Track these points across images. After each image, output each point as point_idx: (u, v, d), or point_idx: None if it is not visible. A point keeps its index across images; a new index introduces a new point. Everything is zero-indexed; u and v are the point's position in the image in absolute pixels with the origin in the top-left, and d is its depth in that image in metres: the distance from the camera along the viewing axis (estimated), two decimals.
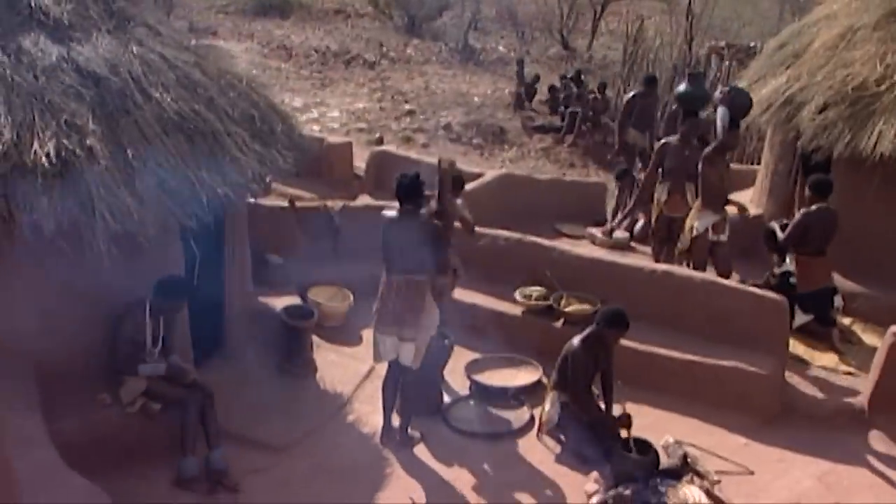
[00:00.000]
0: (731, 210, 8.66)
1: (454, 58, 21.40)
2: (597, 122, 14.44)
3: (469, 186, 9.98)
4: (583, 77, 16.54)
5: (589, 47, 22.07)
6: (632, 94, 11.82)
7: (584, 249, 8.33)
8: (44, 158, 5.05)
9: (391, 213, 6.09)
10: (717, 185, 8.19)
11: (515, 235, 8.18)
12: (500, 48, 22.87)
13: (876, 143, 8.33)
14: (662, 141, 9.05)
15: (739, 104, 8.35)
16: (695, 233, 8.25)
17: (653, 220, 9.06)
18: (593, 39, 22.58)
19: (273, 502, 5.58)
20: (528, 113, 15.88)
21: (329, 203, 8.74)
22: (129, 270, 5.49)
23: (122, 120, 5.57)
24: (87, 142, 5.28)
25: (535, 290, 7.78)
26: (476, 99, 16.97)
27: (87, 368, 5.72)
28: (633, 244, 10.35)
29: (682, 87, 9.85)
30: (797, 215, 8.12)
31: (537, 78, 17.00)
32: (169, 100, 5.86)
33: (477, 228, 8.26)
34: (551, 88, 16.00)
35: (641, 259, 8.96)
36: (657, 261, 8.64)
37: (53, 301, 5.52)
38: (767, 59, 10.26)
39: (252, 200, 8.80)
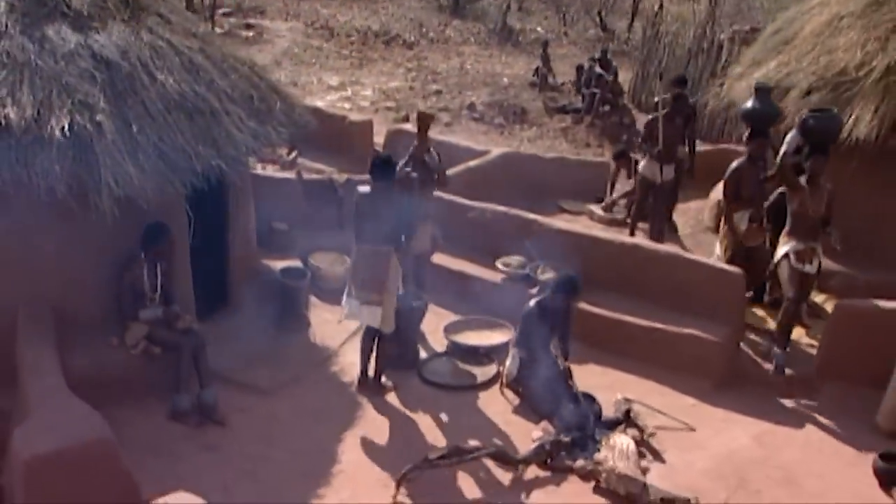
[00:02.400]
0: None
1: (492, 39, 21.93)
2: (615, 103, 14.88)
3: (473, 163, 10.71)
4: (610, 58, 16.92)
5: (628, 29, 22.34)
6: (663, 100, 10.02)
7: (562, 223, 8.89)
8: (58, 132, 5.89)
9: (364, 188, 6.80)
10: (798, 211, 7.54)
11: (500, 209, 8.82)
12: (539, 29, 23.31)
13: (853, 127, 8.74)
14: (733, 166, 8.18)
15: (818, 129, 8.09)
16: (775, 259, 7.74)
17: (725, 251, 8.25)
18: (633, 21, 22.82)
19: (254, 435, 6.38)
20: (552, 94, 16.38)
21: (334, 176, 9.48)
22: (137, 229, 6.37)
23: (129, 99, 6.38)
24: (97, 118, 6.10)
25: (515, 259, 8.43)
26: (505, 79, 17.53)
27: (98, 315, 6.60)
28: (628, 221, 10.88)
29: (748, 104, 8.82)
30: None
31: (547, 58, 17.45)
32: (172, 81, 6.65)
33: (467, 202, 8.97)
34: (578, 69, 16.45)
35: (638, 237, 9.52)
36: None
37: (69, 255, 6.39)
38: (762, 44, 10.64)
39: (262, 172, 9.67)
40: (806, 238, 7.53)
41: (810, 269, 7.54)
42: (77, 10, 6.65)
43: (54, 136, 5.89)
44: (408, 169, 7.41)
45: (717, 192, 11.03)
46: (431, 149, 7.90)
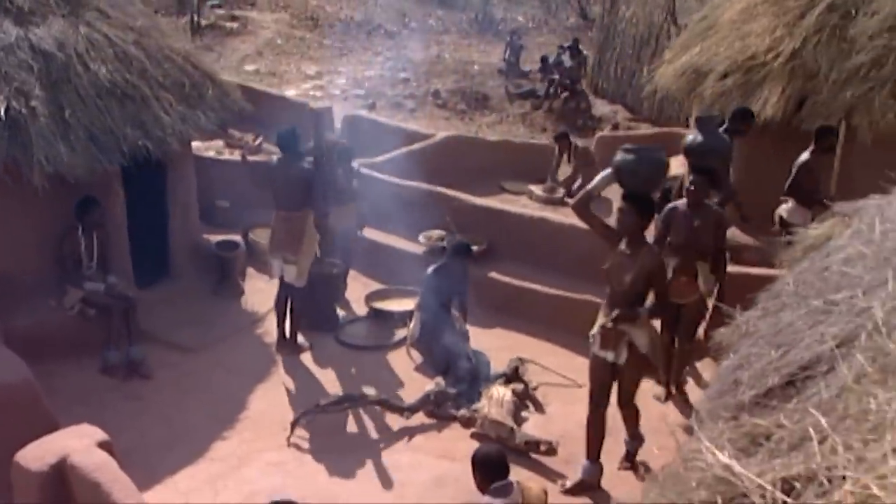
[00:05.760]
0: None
1: (473, 28, 22.56)
2: (574, 89, 15.49)
3: (416, 146, 11.40)
4: (581, 48, 17.51)
5: (602, 18, 22.80)
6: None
7: (479, 200, 9.55)
8: None
9: (274, 159, 7.52)
10: (607, 272, 5.79)
11: (424, 186, 9.51)
12: (520, 18, 23.90)
13: (762, 108, 9.34)
14: (670, 205, 6.99)
15: (625, 169, 5.62)
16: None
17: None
18: (612, 9, 23.27)
19: (175, 387, 7.13)
20: (519, 81, 17.01)
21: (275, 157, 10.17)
22: (73, 203, 7.15)
23: (63, 87, 7.14)
24: (32, 104, 6.85)
25: (436, 233, 9.12)
26: (476, 67, 18.17)
27: (39, 280, 7.35)
28: (567, 201, 11.54)
29: (689, 137, 7.61)
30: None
31: (521, 48, 18.09)
32: (105, 71, 7.40)
33: (395, 180, 9.67)
34: (543, 59, 17.06)
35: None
36: (666, 377, 7.07)
37: (9, 227, 7.15)
38: (691, 31, 11.26)
39: (207, 154, 10.39)
40: (615, 309, 5.68)
41: (613, 357, 5.78)
42: (19, 5, 7.40)
43: None
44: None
45: None
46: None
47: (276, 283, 7.77)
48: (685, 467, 2.74)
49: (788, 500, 2.32)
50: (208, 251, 8.71)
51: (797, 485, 2.41)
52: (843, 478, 2.29)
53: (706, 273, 6.83)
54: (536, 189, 11.76)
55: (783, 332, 3.43)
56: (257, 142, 12.54)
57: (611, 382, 5.96)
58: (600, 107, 15.47)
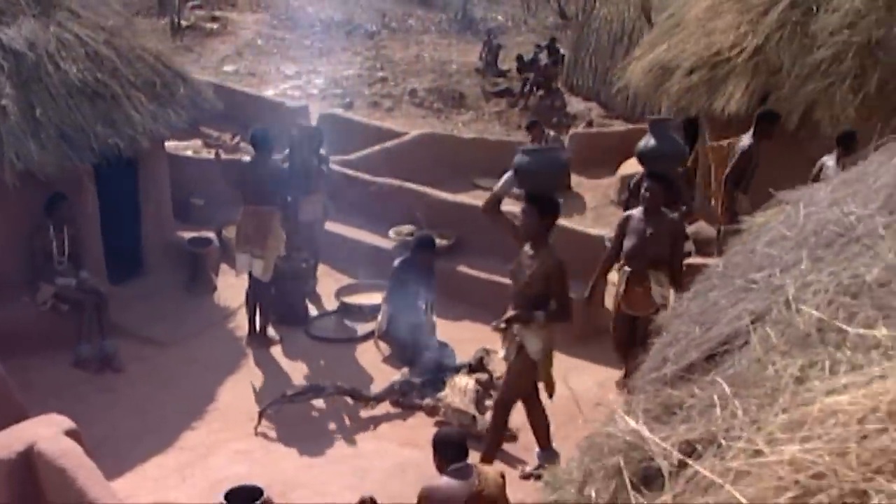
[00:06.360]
0: None
1: (452, 27, 22.72)
2: (548, 87, 15.67)
3: (390, 144, 11.56)
4: (558, 47, 17.69)
5: (577, 17, 23.03)
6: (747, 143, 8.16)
7: (449, 195, 9.70)
8: None
9: (247, 158, 7.66)
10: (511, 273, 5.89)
11: (396, 183, 9.67)
12: (499, 17, 24.08)
13: (726, 103, 9.55)
14: (626, 212, 6.95)
15: (525, 168, 5.67)
16: None
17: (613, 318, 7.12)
18: (592, 9, 23.49)
19: (147, 380, 7.27)
20: (496, 79, 17.18)
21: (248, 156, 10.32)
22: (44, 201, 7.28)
23: (34, 86, 7.27)
24: (3, 102, 6.99)
25: (406, 228, 9.28)
26: (454, 66, 18.33)
27: (11, 276, 7.47)
28: None
29: (641, 142, 7.09)
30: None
31: (500, 47, 18.27)
32: (75, 70, 7.53)
33: (367, 177, 9.83)
34: (518, 58, 17.22)
35: None
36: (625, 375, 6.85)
37: None
38: (659, 29, 11.46)
39: (182, 153, 10.51)
40: (515, 310, 5.70)
41: (504, 355, 5.90)
42: None
43: None
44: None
45: (625, 167, 11.92)
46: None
47: (245, 279, 7.89)
48: (602, 436, 2.91)
49: (688, 460, 2.49)
50: (181, 248, 8.85)
51: (699, 447, 2.59)
52: (739, 438, 2.47)
53: (660, 284, 6.49)
54: None
55: (708, 311, 3.60)
56: (235, 141, 12.67)
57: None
58: (575, 104, 15.64)
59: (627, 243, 6.52)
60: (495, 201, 5.84)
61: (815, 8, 9.46)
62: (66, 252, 7.48)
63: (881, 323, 2.60)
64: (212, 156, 10.36)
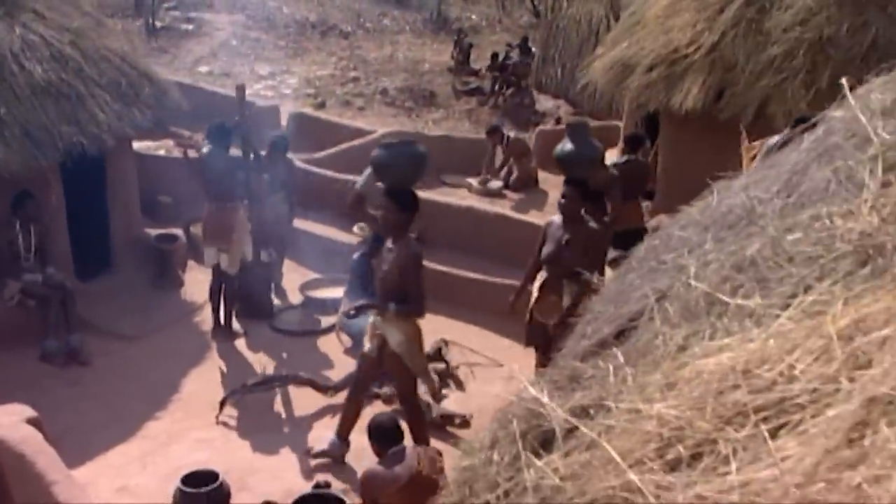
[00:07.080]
0: None
1: (426, 27, 22.95)
2: (518, 85, 15.92)
3: (357, 142, 11.76)
4: (530, 45, 17.96)
5: (546, 15, 23.27)
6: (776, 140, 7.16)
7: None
8: None
9: (204, 150, 7.87)
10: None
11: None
12: (474, 17, 24.33)
13: (683, 99, 9.80)
14: (548, 219, 6.75)
15: (381, 164, 5.92)
16: None
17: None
18: (561, 8, 23.78)
19: (113, 373, 7.44)
20: (468, 78, 17.43)
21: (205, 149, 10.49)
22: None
23: None
24: None
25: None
26: (426, 66, 18.56)
27: None
28: (505, 192, 11.96)
29: (559, 146, 6.78)
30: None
31: (471, 46, 18.53)
32: (40, 70, 7.69)
33: (332, 174, 10.02)
34: (493, 56, 17.47)
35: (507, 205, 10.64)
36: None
37: None
38: (621, 26, 11.71)
39: (149, 152, 10.67)
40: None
41: (369, 349, 6.12)
42: None
43: None
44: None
45: None
46: None
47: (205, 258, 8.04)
48: (510, 406, 3.12)
49: (576, 421, 2.71)
50: (149, 244, 9.02)
51: (591, 411, 2.81)
52: (624, 401, 2.70)
53: (573, 293, 6.03)
54: (474, 181, 12.16)
55: (624, 291, 3.82)
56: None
57: (371, 373, 6.24)
58: (544, 102, 15.90)
59: (546, 249, 6.32)
60: (359, 198, 6.05)
61: (768, 6, 9.72)
62: (33, 249, 7.63)
63: (758, 294, 2.82)
64: (181, 155, 10.58)
